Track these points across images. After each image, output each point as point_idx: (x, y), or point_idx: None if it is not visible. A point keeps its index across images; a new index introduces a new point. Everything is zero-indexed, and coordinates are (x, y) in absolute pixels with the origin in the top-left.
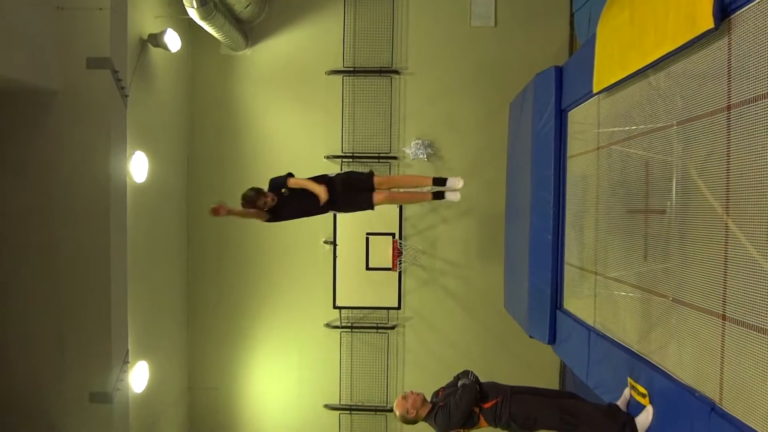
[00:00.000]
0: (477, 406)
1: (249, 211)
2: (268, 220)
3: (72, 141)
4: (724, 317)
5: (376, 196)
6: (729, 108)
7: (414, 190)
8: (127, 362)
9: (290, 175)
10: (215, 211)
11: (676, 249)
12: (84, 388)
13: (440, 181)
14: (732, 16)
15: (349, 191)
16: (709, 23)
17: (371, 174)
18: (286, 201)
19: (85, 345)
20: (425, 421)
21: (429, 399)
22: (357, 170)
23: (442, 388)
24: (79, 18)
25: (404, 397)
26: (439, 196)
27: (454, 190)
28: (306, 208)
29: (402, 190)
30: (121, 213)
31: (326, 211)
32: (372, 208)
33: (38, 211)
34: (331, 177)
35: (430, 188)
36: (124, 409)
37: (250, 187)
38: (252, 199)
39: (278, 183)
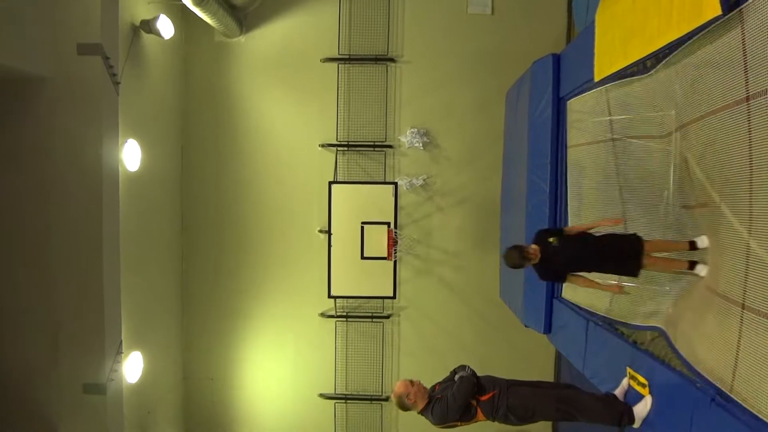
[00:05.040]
0: (474, 399)
1: None
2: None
3: (63, 128)
4: (743, 306)
5: (648, 261)
6: (748, 99)
7: (673, 256)
8: (121, 352)
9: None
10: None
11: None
12: (77, 379)
13: (693, 245)
14: (744, 5)
15: (618, 252)
16: (716, 10)
17: (639, 239)
18: (555, 251)
19: (78, 335)
20: (421, 414)
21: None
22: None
23: (439, 382)
24: (69, 3)
25: (411, 383)
26: (692, 265)
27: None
28: (573, 261)
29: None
30: (114, 202)
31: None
32: (636, 276)
33: (29, 199)
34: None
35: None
36: (117, 399)
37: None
38: (514, 258)
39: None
